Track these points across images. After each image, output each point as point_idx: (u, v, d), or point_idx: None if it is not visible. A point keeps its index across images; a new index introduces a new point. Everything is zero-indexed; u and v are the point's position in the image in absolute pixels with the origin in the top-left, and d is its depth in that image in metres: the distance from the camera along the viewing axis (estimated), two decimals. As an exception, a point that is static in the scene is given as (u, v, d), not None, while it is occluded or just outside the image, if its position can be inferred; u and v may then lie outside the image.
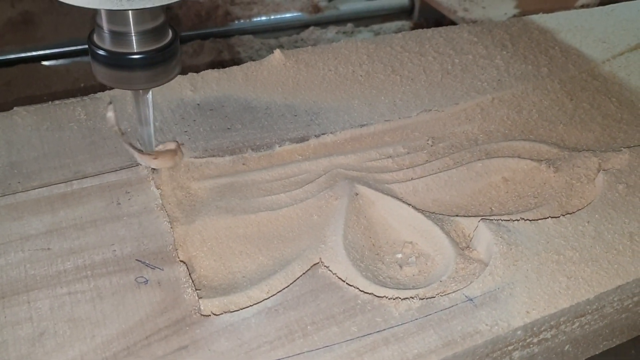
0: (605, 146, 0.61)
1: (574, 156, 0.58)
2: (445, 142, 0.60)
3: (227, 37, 1.42)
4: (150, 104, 0.50)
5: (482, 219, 0.50)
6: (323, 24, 1.51)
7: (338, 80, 0.67)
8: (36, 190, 0.50)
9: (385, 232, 0.52)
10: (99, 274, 0.44)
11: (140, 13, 0.43)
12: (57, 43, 1.36)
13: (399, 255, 0.50)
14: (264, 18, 1.47)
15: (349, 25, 1.52)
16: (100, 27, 0.44)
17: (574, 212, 0.52)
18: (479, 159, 0.58)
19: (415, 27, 1.54)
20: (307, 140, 0.59)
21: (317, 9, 1.51)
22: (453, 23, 1.37)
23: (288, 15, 1.48)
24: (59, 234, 0.47)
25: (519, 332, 0.43)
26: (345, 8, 1.54)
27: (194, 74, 0.66)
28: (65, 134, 0.57)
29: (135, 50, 0.44)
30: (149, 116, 0.50)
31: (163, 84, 0.48)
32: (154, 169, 0.53)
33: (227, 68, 0.67)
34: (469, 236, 0.51)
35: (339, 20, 1.53)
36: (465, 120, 0.63)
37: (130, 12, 0.43)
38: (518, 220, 0.51)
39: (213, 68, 0.67)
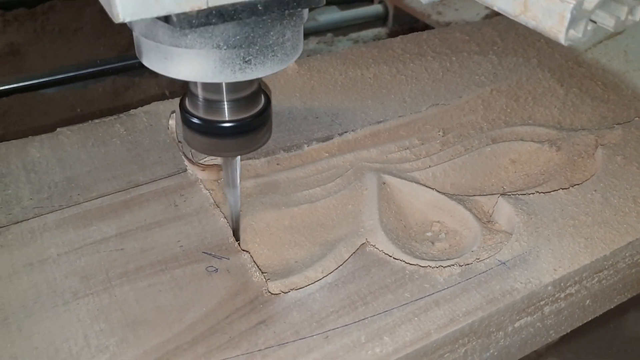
0: (598, 125, 0.67)
1: (572, 135, 0.64)
2: (454, 132, 0.66)
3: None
4: (238, 167, 0.49)
5: (501, 195, 0.56)
6: (304, 35, 1.56)
7: (350, 83, 0.73)
8: (98, 199, 0.55)
9: (413, 214, 0.57)
10: (173, 267, 0.49)
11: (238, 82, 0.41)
12: (50, 71, 1.38)
13: (429, 234, 0.55)
14: (247, 33, 1.51)
15: (329, 35, 1.58)
16: (194, 95, 0.43)
17: (580, 184, 0.58)
18: (487, 145, 0.64)
19: (391, 33, 1.60)
20: (332, 139, 0.64)
21: (297, 21, 1.55)
22: (428, 27, 1.43)
23: (270, 28, 1.53)
24: (129, 236, 0.51)
25: (549, 288, 0.49)
26: (323, 19, 1.60)
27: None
28: (110, 148, 0.61)
29: (227, 119, 0.43)
30: (237, 179, 0.49)
31: (254, 150, 0.46)
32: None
33: (246, 79, 0.72)
34: (488, 212, 0.56)
35: (319, 31, 1.58)
36: (469, 111, 0.69)
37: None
38: (533, 193, 0.56)
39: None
